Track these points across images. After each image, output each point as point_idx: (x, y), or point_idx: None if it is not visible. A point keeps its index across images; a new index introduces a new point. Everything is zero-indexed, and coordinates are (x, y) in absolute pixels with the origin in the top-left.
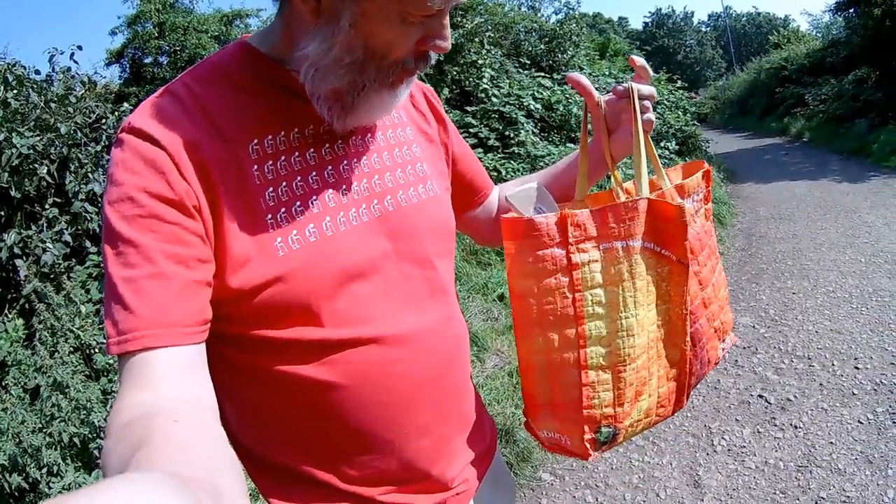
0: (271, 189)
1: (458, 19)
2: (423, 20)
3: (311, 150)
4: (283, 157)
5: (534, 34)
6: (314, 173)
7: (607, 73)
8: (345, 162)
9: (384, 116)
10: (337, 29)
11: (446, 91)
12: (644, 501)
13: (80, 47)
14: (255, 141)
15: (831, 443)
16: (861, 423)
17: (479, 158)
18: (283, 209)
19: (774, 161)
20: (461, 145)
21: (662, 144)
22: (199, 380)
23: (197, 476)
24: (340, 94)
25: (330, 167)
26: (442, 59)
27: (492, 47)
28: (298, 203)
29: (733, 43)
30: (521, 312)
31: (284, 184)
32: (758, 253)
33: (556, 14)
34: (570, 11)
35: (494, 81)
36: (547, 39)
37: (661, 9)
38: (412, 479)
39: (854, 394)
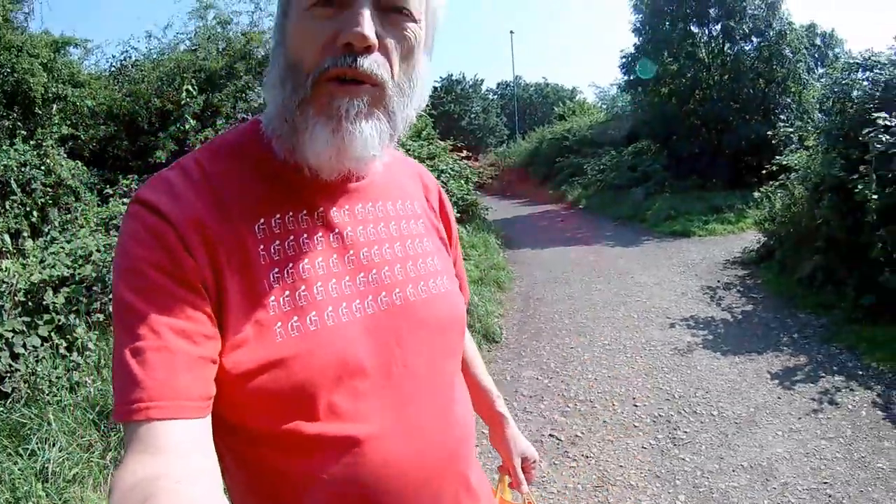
0: (276, 270)
1: None
2: (331, 15)
3: (320, 233)
4: (290, 238)
5: None
6: (320, 258)
7: None
8: (352, 251)
9: (342, 155)
10: (274, 56)
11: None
12: None
13: None
14: (262, 220)
15: (621, 466)
16: (645, 448)
17: None
18: (286, 292)
19: (551, 227)
20: (457, 250)
21: None
22: (204, 451)
23: None
24: (281, 126)
25: (335, 255)
26: (249, 118)
27: None
28: (303, 287)
29: (519, 111)
30: None
31: (291, 265)
32: (536, 314)
33: None
34: None
35: None
36: None
37: (452, 74)
38: None
39: (636, 426)
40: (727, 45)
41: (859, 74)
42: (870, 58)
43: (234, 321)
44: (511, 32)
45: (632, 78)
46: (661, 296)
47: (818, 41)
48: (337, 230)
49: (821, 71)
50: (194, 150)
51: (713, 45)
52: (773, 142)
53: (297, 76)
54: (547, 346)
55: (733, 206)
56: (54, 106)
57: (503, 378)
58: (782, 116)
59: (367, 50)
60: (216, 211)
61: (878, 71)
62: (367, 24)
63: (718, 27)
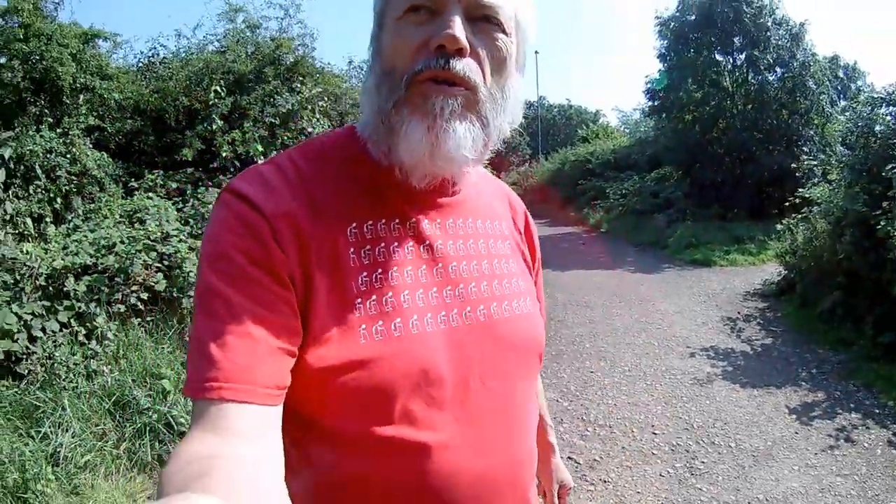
0: (365, 274)
1: (298, 85)
2: (423, 21)
3: (411, 243)
4: (382, 244)
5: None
6: (410, 268)
7: None
8: (441, 264)
9: (435, 152)
10: (371, 64)
11: (274, 154)
12: None
13: None
14: (354, 224)
15: (638, 492)
16: (663, 476)
17: None
18: (373, 296)
19: (572, 250)
20: (539, 274)
21: None
22: (270, 438)
23: None
24: (377, 129)
25: (424, 266)
26: (277, 122)
27: (322, 117)
28: (390, 294)
29: (542, 132)
30: None
31: (380, 270)
32: (557, 336)
33: None
34: None
35: None
36: None
37: None
38: None
39: (654, 454)
40: (751, 75)
41: (882, 109)
42: (893, 92)
43: (320, 318)
44: (536, 53)
45: (656, 103)
46: (681, 324)
47: (841, 73)
48: (427, 242)
49: (843, 103)
50: (287, 150)
51: (737, 73)
52: (797, 174)
53: (391, 80)
54: (567, 369)
55: (755, 237)
56: (81, 96)
57: None
58: (805, 148)
59: (460, 53)
60: (309, 210)
61: None
62: (459, 28)
63: (743, 56)
